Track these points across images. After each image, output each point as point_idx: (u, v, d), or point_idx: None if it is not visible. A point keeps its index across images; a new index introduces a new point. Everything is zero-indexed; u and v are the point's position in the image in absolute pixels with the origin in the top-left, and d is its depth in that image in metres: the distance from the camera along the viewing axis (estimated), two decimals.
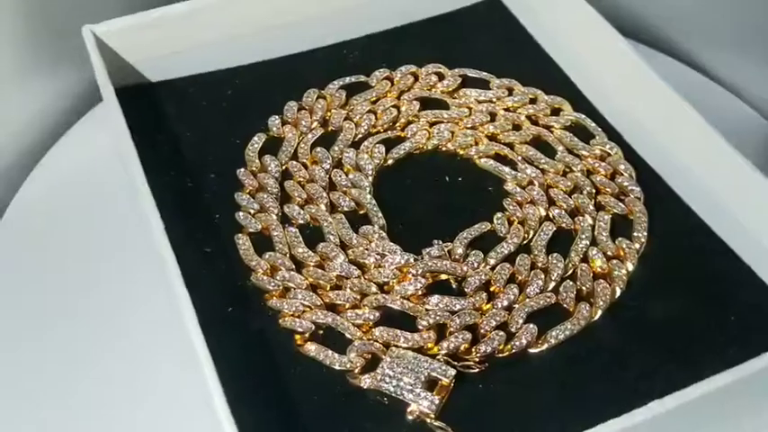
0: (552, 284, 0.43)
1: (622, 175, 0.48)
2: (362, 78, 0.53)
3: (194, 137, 0.49)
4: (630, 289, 0.43)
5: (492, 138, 0.50)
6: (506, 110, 0.51)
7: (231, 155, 0.48)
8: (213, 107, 0.51)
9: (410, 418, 0.37)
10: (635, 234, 0.45)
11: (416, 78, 0.53)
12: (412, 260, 0.43)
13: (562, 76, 0.54)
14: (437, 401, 0.38)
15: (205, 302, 0.40)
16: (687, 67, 0.60)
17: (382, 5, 0.57)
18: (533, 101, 0.52)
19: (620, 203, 0.46)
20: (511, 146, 0.50)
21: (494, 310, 0.41)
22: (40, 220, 0.51)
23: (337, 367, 0.39)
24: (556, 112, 0.51)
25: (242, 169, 0.47)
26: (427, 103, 0.52)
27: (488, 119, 0.51)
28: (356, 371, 0.39)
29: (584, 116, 0.51)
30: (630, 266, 0.43)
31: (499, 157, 0.49)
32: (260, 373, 0.39)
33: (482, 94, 0.52)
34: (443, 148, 0.50)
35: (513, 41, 0.56)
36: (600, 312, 0.42)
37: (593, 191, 0.47)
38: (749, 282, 0.43)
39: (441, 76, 0.53)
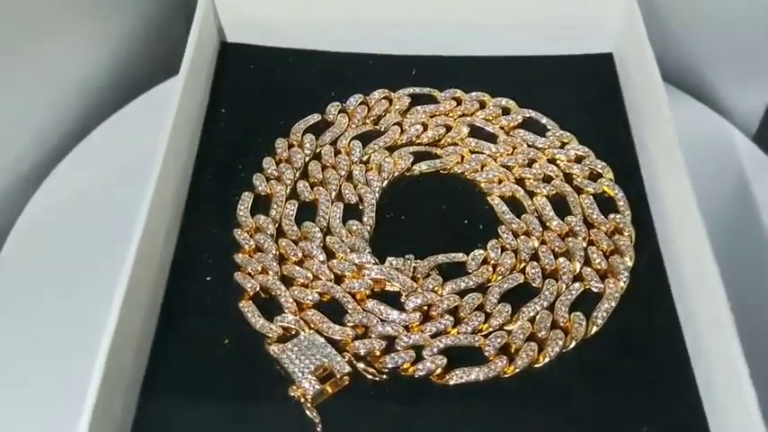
0: (489, 330, 0.44)
1: (622, 257, 0.47)
2: (434, 93, 0.56)
3: (261, 107, 0.54)
4: (562, 361, 0.43)
5: (518, 181, 0.51)
6: (549, 161, 0.52)
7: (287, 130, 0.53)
8: (292, 84, 0.56)
9: (291, 394, 0.41)
10: (594, 315, 0.44)
11: (482, 106, 0.55)
12: (372, 262, 0.46)
13: (629, 147, 0.53)
14: (317, 388, 0.41)
15: (187, 250, 0.46)
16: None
17: (498, 32, 0.59)
18: (580, 159, 0.52)
19: (600, 282, 0.46)
20: (532, 195, 0.50)
21: (417, 332, 0.43)
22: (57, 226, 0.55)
23: (257, 329, 0.43)
24: (596, 176, 0.51)
25: (282, 139, 0.52)
26: (479, 132, 0.54)
27: (526, 163, 0.52)
28: (273, 338, 0.43)
29: (618, 190, 0.50)
30: (573, 343, 0.44)
31: (514, 201, 0.50)
32: (194, 313, 0.44)
33: (534, 140, 0.53)
34: (468, 176, 0.51)
35: (603, 99, 0.56)
36: (517, 371, 0.42)
37: (583, 260, 0.47)
38: (688, 405, 0.42)
39: (506, 111, 0.55)
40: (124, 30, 0.64)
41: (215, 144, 0.53)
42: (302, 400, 0.41)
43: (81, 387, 0.37)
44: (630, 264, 0.47)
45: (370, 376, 0.42)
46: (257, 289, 0.45)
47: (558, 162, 0.52)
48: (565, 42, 0.59)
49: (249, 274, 0.46)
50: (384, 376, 0.42)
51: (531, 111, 0.55)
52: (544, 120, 0.54)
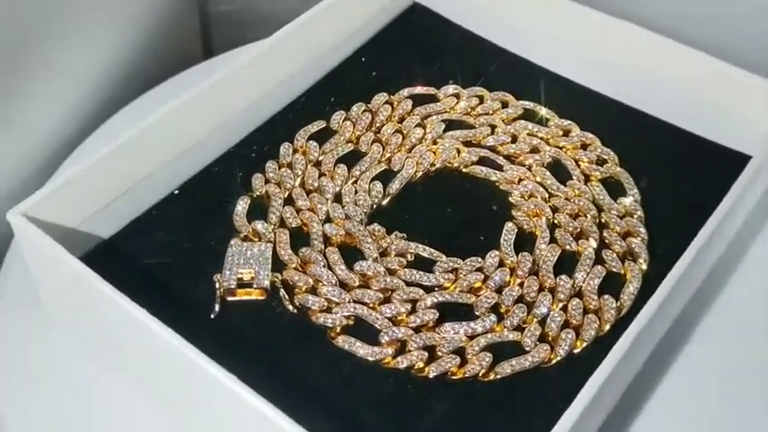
0: (405, 324, 0.45)
1: (577, 333, 0.44)
2: (551, 116, 0.55)
3: (403, 65, 0.58)
4: (442, 383, 0.43)
5: (552, 226, 0.50)
6: (601, 224, 0.50)
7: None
8: (440, 57, 0.59)
9: (213, 279, 0.46)
10: (501, 364, 0.43)
11: (584, 148, 0.54)
12: (357, 219, 0.49)
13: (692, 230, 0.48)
14: (233, 286, 0.46)
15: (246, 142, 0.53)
16: None
17: (650, 87, 0.56)
18: (628, 236, 0.49)
19: (532, 344, 0.44)
20: (552, 241, 0.49)
21: (345, 291, 0.46)
22: None
23: (233, 223, 0.49)
24: (633, 258, 0.48)
25: (384, 94, 0.56)
26: (563, 170, 0.53)
27: (574, 213, 0.50)
28: (241, 236, 0.49)
29: (639, 283, 0.46)
30: (463, 375, 0.43)
31: (533, 237, 0.49)
32: (207, 191, 0.51)
33: (603, 198, 0.51)
34: (513, 199, 0.51)
35: (711, 195, 0.51)
36: (398, 366, 0.43)
37: (540, 319, 0.45)
38: None
39: (602, 162, 0.53)
40: (134, 24, 0.63)
41: (342, 77, 0.58)
42: (216, 286, 0.46)
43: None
44: (579, 346, 0.44)
45: (284, 300, 0.46)
46: (262, 193, 0.51)
47: (607, 228, 0.49)
48: (716, 128, 0.54)
49: (267, 180, 0.51)
50: (294, 309, 0.46)
51: (623, 171, 0.52)
52: (629, 185, 0.51)
